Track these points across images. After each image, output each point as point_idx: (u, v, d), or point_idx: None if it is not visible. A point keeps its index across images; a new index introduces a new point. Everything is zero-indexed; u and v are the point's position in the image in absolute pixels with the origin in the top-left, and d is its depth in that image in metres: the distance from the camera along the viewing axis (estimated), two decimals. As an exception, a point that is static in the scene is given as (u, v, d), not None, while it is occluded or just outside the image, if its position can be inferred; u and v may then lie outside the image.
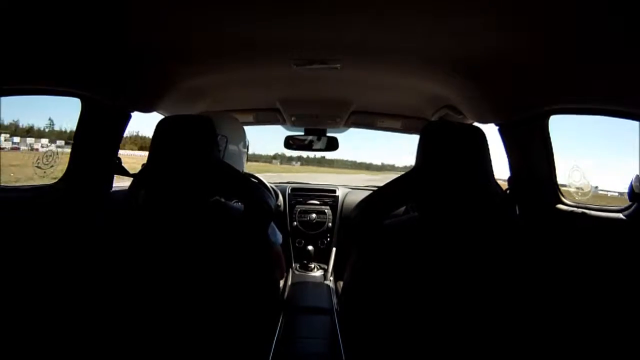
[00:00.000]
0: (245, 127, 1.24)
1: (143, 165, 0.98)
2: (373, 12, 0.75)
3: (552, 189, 1.06)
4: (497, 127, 1.14)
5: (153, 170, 0.91)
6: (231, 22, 0.83)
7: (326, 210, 2.12)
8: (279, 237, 1.15)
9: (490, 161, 0.85)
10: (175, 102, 1.35)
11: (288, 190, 2.15)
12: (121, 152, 1.18)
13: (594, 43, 0.74)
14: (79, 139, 1.06)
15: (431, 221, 0.86)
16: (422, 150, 0.87)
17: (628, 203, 0.88)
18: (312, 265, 2.00)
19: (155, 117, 1.27)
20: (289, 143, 2.00)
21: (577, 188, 1.03)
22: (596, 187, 1.09)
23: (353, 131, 2.09)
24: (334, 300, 1.59)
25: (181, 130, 0.90)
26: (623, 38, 0.70)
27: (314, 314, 1.42)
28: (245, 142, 1.19)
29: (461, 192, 0.83)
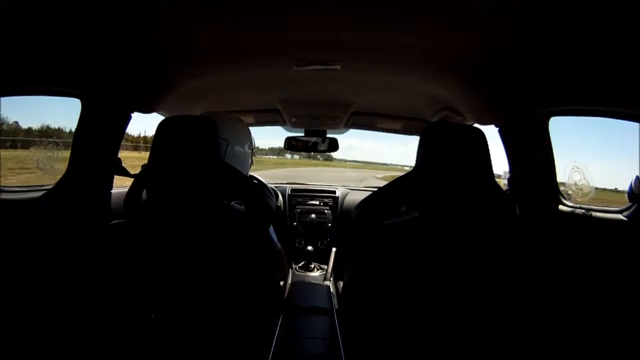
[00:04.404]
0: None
1: (143, 165, 0.98)
2: (373, 13, 0.75)
3: (553, 191, 1.06)
4: (498, 129, 1.14)
5: (155, 171, 0.91)
6: (231, 24, 0.83)
7: (326, 211, 2.12)
8: (275, 239, 1.14)
9: (490, 162, 0.85)
10: (176, 103, 1.35)
11: (288, 191, 2.15)
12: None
13: (594, 44, 0.75)
14: (79, 140, 1.06)
15: (432, 221, 0.86)
16: (423, 151, 0.87)
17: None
18: (312, 266, 2.00)
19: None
20: (291, 144, 2.00)
21: (577, 189, 1.04)
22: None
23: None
24: (334, 300, 1.59)
25: (184, 130, 0.90)
26: (623, 39, 0.70)
27: (313, 314, 1.42)
28: (250, 143, 1.18)
29: (461, 192, 0.83)
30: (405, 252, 0.85)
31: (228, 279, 0.90)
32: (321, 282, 1.83)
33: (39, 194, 0.99)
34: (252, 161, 1.22)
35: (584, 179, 1.02)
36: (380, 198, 0.91)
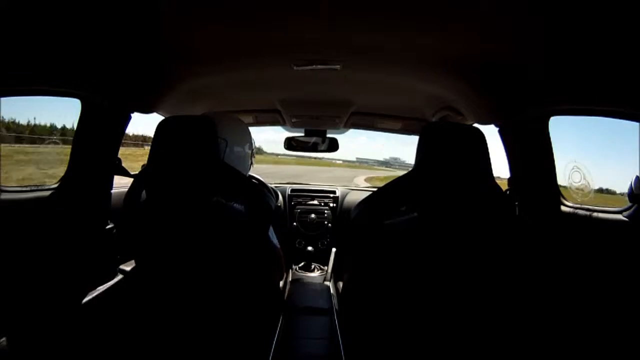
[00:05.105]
0: None
1: (143, 166, 0.98)
2: (373, 13, 0.75)
3: (553, 190, 1.06)
4: (497, 128, 1.14)
5: (154, 171, 0.91)
6: (231, 24, 0.83)
7: (326, 211, 2.13)
8: (274, 239, 1.15)
9: (489, 162, 0.85)
10: (176, 103, 1.35)
11: (288, 191, 2.16)
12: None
13: (594, 44, 0.75)
14: (79, 140, 1.06)
15: (431, 221, 0.86)
16: (422, 151, 0.87)
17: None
18: (312, 266, 2.00)
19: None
20: (291, 144, 2.00)
21: (577, 189, 1.03)
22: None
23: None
24: (334, 300, 1.59)
25: (182, 130, 0.90)
26: (623, 38, 0.70)
27: (313, 315, 1.42)
28: (250, 143, 1.19)
29: (461, 192, 0.83)
30: (405, 252, 0.85)
31: (227, 279, 0.90)
32: (321, 283, 1.83)
33: (39, 194, 0.99)
34: (252, 162, 1.22)
35: (584, 179, 1.02)
36: (379, 198, 0.91)
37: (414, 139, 0.97)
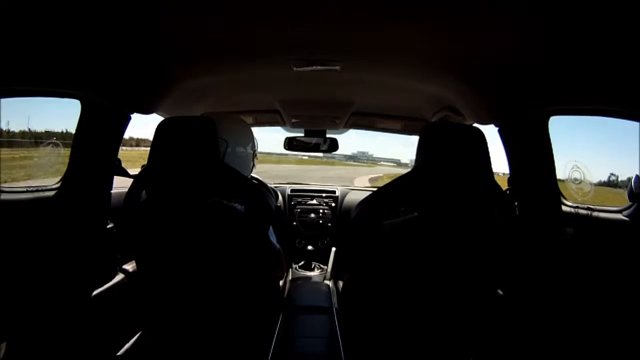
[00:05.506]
0: None
1: (143, 166, 0.98)
2: (373, 14, 0.75)
3: (552, 190, 1.06)
4: (497, 128, 1.14)
5: (154, 172, 0.91)
6: (231, 24, 0.83)
7: (326, 211, 2.13)
8: (274, 238, 1.15)
9: (489, 162, 0.85)
10: (175, 104, 1.35)
11: (288, 191, 2.16)
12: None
13: (594, 44, 0.75)
14: (79, 140, 1.06)
15: (431, 221, 0.86)
16: (422, 151, 0.87)
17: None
18: (312, 265, 2.00)
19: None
20: (292, 144, 2.00)
21: (577, 188, 1.04)
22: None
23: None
24: (334, 299, 1.59)
25: (182, 131, 0.90)
26: (623, 38, 0.70)
27: (313, 314, 1.42)
28: (252, 143, 1.18)
29: (461, 192, 0.83)
30: (405, 252, 0.85)
31: (227, 279, 0.90)
32: (321, 282, 1.83)
33: (39, 194, 0.99)
34: (254, 162, 1.22)
35: (584, 178, 1.02)
36: (379, 198, 0.91)
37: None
